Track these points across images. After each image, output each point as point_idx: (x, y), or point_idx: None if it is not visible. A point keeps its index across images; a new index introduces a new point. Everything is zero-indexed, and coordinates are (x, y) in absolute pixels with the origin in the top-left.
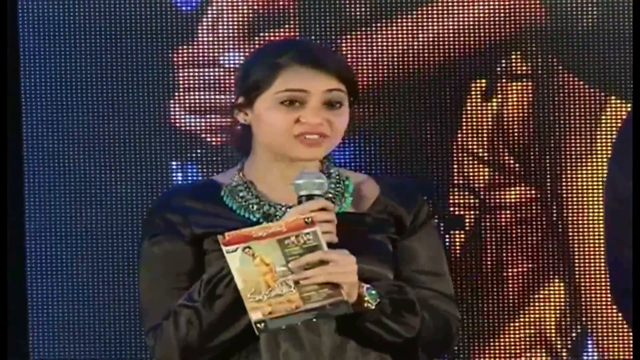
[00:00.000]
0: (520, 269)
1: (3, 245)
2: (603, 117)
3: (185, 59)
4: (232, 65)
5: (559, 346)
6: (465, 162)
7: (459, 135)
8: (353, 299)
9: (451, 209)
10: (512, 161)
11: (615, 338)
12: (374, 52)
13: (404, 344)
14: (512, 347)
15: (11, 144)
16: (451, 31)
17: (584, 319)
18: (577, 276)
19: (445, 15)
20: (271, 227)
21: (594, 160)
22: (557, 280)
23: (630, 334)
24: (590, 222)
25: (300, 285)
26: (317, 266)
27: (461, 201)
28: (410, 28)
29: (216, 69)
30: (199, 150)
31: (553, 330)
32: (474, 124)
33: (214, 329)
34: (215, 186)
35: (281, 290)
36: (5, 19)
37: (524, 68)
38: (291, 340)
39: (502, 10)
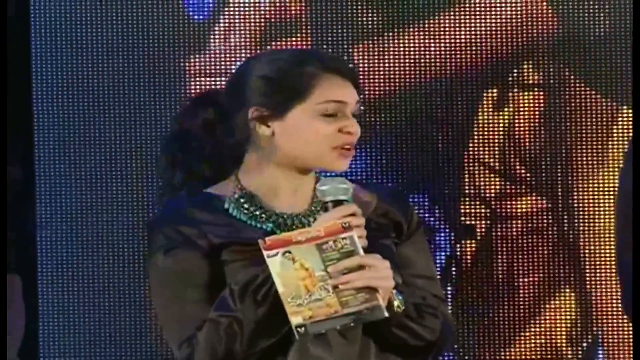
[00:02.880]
0: (531, 279)
1: (15, 249)
2: (614, 127)
3: (198, 68)
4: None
5: (569, 356)
6: (477, 171)
7: (471, 144)
8: (385, 304)
9: (462, 218)
10: (523, 171)
11: (626, 348)
12: (386, 61)
13: (425, 347)
14: (523, 357)
15: (24, 150)
16: (463, 41)
17: (594, 328)
18: (587, 286)
19: (457, 26)
20: (310, 231)
21: (606, 170)
22: (568, 290)
23: None
24: (601, 232)
25: (339, 289)
26: (354, 271)
27: (472, 210)
28: (422, 38)
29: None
30: None
31: (564, 340)
32: (486, 133)
33: (256, 335)
34: (215, 198)
35: (320, 294)
36: (20, 30)
37: (536, 78)
38: (319, 345)
39: (513, 21)
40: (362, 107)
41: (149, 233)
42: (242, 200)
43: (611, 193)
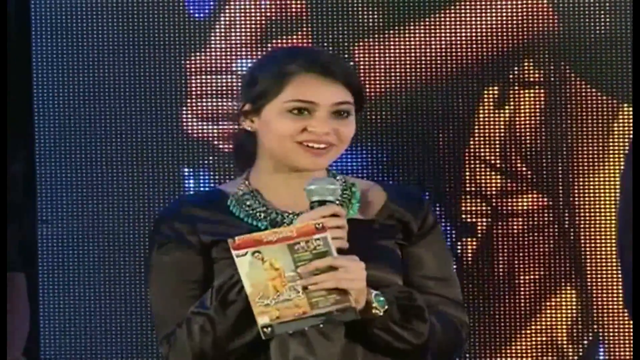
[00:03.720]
0: (532, 277)
1: (15, 247)
2: (615, 124)
3: (198, 66)
4: (244, 73)
5: (570, 353)
6: (478, 169)
7: (471, 142)
8: (361, 306)
9: (463, 216)
10: (524, 168)
11: (627, 346)
12: (387, 59)
13: (413, 350)
14: (524, 354)
15: (24, 148)
16: (463, 39)
17: (595, 326)
18: (588, 283)
19: (458, 23)
20: (282, 232)
21: (606, 167)
22: (568, 288)
23: None
24: (602, 229)
25: (309, 290)
26: (326, 272)
27: (473, 208)
28: (422, 35)
29: (229, 76)
30: (211, 157)
31: (565, 338)
32: (486, 131)
33: (228, 335)
34: (221, 195)
35: (289, 295)
36: (20, 28)
37: (536, 75)
38: (302, 346)
39: (514, 18)
40: (344, 107)
41: (151, 229)
42: (245, 197)
43: (612, 190)
